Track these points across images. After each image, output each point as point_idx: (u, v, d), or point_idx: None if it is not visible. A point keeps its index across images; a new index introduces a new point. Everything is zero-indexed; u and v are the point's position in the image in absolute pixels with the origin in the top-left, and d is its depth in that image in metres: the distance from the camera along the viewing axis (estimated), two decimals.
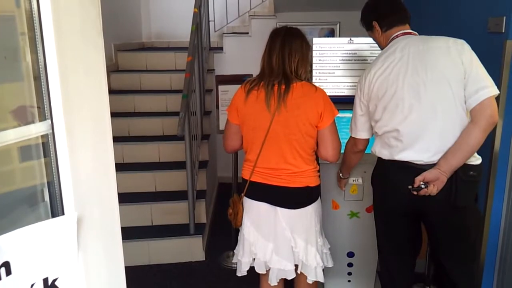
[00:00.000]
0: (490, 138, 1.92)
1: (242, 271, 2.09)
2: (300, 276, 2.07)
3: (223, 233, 3.41)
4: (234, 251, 2.16)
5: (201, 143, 3.85)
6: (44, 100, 0.95)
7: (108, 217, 1.14)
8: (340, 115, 2.01)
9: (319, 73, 2.57)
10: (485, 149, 1.76)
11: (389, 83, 1.79)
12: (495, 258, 2.37)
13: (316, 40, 2.56)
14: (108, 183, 1.12)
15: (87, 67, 1.03)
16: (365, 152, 2.07)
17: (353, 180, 2.29)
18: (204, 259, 3.33)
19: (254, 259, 2.06)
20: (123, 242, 1.19)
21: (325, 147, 1.95)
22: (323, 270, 2.07)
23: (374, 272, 2.59)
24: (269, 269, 2.06)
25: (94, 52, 1.05)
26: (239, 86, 2.02)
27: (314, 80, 2.55)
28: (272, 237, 2.00)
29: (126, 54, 4.79)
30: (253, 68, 2.01)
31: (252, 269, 2.09)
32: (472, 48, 1.73)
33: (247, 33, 4.69)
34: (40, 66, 0.94)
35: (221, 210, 4.06)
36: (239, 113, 1.98)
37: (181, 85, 3.29)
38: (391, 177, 1.87)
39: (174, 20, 5.36)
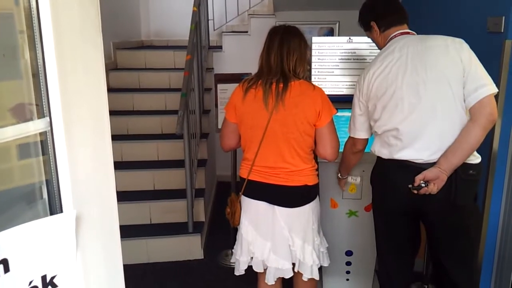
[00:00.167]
0: (489, 137, 1.92)
1: (240, 270, 2.09)
2: (298, 275, 2.07)
3: (222, 231, 3.41)
4: (232, 250, 2.16)
5: (200, 141, 3.85)
6: (43, 98, 0.95)
7: (106, 215, 1.14)
8: (339, 114, 2.01)
9: (318, 72, 2.57)
10: (484, 148, 1.76)
11: (388, 82, 1.79)
12: (493, 256, 2.38)
13: (315, 39, 2.56)
14: (106, 181, 1.12)
15: (86, 65, 1.03)
16: (364, 151, 2.07)
17: (352, 179, 2.29)
18: (202, 257, 3.33)
19: (252, 258, 2.06)
20: (121, 240, 1.19)
21: (323, 146, 1.95)
22: (319, 268, 2.07)
23: (373, 271, 2.59)
24: (266, 268, 2.06)
25: (93, 50, 1.05)
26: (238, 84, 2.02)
27: (313, 79, 2.55)
28: (270, 236, 2.00)
29: (125, 52, 4.78)
30: (252, 67, 2.01)
31: (250, 268, 2.09)
32: (471, 48, 1.74)
33: (246, 32, 4.68)
34: (39, 64, 0.94)
35: (219, 209, 4.06)
36: (237, 111, 1.98)
37: (180, 84, 3.28)
38: (391, 176, 1.87)
39: (173, 19, 5.36)
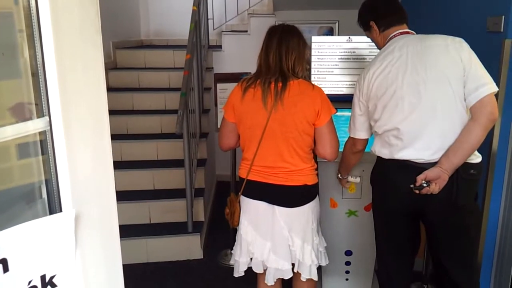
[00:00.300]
0: (488, 135, 1.92)
1: (239, 271, 2.08)
2: (297, 276, 2.06)
3: (221, 231, 3.41)
4: (232, 251, 2.15)
5: (199, 141, 3.85)
6: (42, 97, 0.95)
7: (106, 214, 1.14)
8: (338, 113, 2.01)
9: (318, 71, 2.57)
10: (484, 147, 1.76)
11: (389, 82, 1.79)
12: (493, 253, 2.39)
13: (315, 39, 2.56)
14: (106, 181, 1.12)
15: (85, 64, 1.03)
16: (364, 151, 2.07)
17: (353, 177, 2.29)
18: (202, 257, 3.33)
19: (252, 258, 2.05)
20: (121, 240, 1.19)
21: (323, 146, 1.95)
22: (318, 268, 2.07)
23: (372, 271, 2.59)
24: (266, 269, 2.05)
25: (92, 49, 1.05)
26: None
27: (313, 78, 2.55)
28: (269, 236, 2.00)
29: (124, 51, 4.78)
30: (252, 66, 2.01)
31: (249, 268, 2.08)
32: (471, 47, 1.74)
33: (246, 31, 4.68)
34: (38, 63, 0.94)
35: (219, 209, 4.07)
36: (236, 111, 1.97)
37: (180, 83, 3.28)
38: (391, 176, 1.87)
39: (173, 18, 5.35)
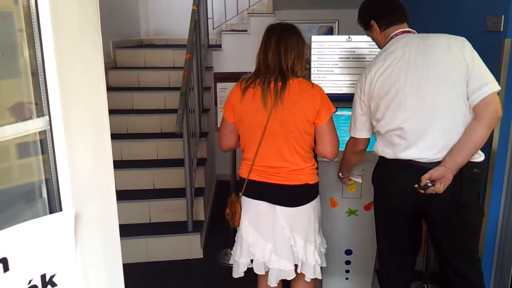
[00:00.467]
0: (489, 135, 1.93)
1: (239, 272, 2.06)
2: (298, 277, 2.04)
3: (221, 230, 3.42)
4: (231, 251, 2.13)
5: (199, 140, 3.85)
6: (42, 96, 0.95)
7: (106, 214, 1.14)
8: (338, 113, 2.00)
9: (318, 71, 2.57)
10: (484, 146, 1.76)
11: (391, 81, 1.78)
12: (493, 250, 2.40)
13: (314, 38, 2.56)
14: (106, 180, 1.12)
15: (85, 63, 1.03)
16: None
17: (354, 176, 2.29)
18: (202, 256, 3.33)
19: (252, 260, 2.03)
20: (121, 239, 1.19)
21: (323, 144, 1.94)
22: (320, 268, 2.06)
23: (372, 270, 2.60)
24: (268, 270, 2.03)
25: (92, 48, 1.05)
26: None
27: (312, 78, 2.55)
28: (271, 236, 1.98)
29: (124, 51, 4.78)
30: (252, 65, 2.01)
31: (249, 268, 2.06)
32: None
33: (246, 30, 4.68)
34: (38, 63, 0.94)
35: (219, 208, 4.07)
36: (235, 111, 1.96)
37: (180, 83, 3.28)
38: (394, 176, 1.86)
39: (173, 17, 5.35)
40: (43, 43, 0.93)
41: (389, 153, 1.85)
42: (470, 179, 1.76)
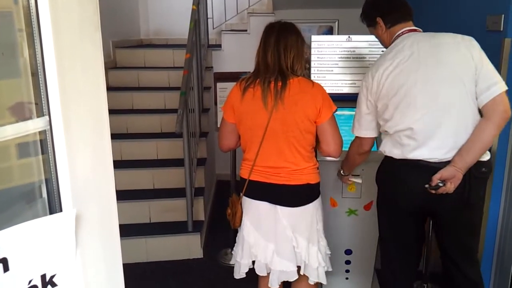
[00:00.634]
0: None
1: (241, 273, 2.04)
2: (299, 278, 2.02)
3: (221, 230, 3.42)
4: (232, 252, 2.12)
5: (199, 140, 3.85)
6: (42, 96, 0.95)
7: (106, 214, 1.14)
8: (338, 112, 1.99)
9: (318, 70, 2.56)
10: None
11: (400, 81, 1.76)
12: (493, 250, 2.40)
13: (314, 38, 2.55)
14: (106, 180, 1.12)
15: (85, 63, 1.03)
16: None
17: (354, 177, 2.28)
18: (202, 256, 3.33)
19: (254, 261, 2.01)
20: (121, 239, 1.19)
21: (326, 143, 1.92)
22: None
23: (372, 270, 2.59)
24: (269, 272, 2.01)
25: (92, 48, 1.05)
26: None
27: (312, 77, 2.55)
28: (272, 237, 1.96)
29: (124, 51, 4.78)
30: (251, 65, 2.00)
31: (250, 268, 2.04)
32: None
33: (246, 30, 4.68)
34: (38, 62, 0.94)
35: (219, 208, 4.07)
36: (236, 111, 1.94)
37: (179, 82, 3.28)
38: (403, 176, 1.84)
39: (173, 17, 5.35)
40: (43, 43, 0.92)
41: (397, 154, 1.82)
42: (479, 178, 1.76)
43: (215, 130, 3.19)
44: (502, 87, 1.66)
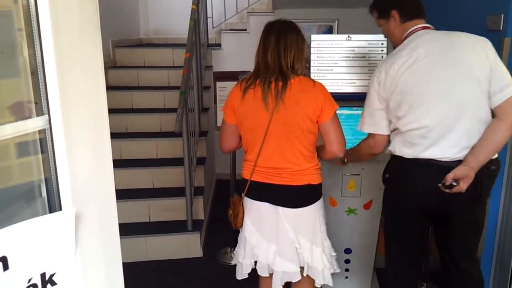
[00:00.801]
0: None
1: (243, 274, 2.02)
2: (302, 279, 2.00)
3: (221, 229, 3.42)
4: (234, 252, 2.10)
5: (199, 139, 3.85)
6: (42, 95, 0.95)
7: (105, 213, 1.14)
8: (338, 111, 1.99)
9: (317, 70, 2.56)
10: None
11: (416, 79, 1.74)
12: (493, 247, 2.40)
13: (314, 37, 2.55)
14: (105, 179, 1.12)
15: (84, 63, 1.03)
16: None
17: (353, 175, 2.27)
18: (201, 255, 3.33)
19: (256, 261, 2.00)
20: (120, 238, 1.19)
21: (329, 142, 1.89)
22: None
23: (372, 269, 2.60)
24: (272, 273, 1.99)
25: (91, 48, 1.05)
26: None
27: (312, 77, 2.54)
28: (274, 238, 1.95)
29: (124, 50, 4.78)
30: (251, 65, 1.99)
31: (251, 268, 2.03)
32: None
33: (245, 29, 4.67)
34: (38, 62, 0.94)
35: (219, 207, 4.08)
36: (236, 113, 1.92)
37: (179, 82, 3.28)
38: (413, 176, 1.82)
39: (172, 17, 5.35)
40: (43, 42, 0.93)
41: (408, 153, 1.80)
42: (489, 176, 1.77)
43: (215, 129, 3.19)
44: None
